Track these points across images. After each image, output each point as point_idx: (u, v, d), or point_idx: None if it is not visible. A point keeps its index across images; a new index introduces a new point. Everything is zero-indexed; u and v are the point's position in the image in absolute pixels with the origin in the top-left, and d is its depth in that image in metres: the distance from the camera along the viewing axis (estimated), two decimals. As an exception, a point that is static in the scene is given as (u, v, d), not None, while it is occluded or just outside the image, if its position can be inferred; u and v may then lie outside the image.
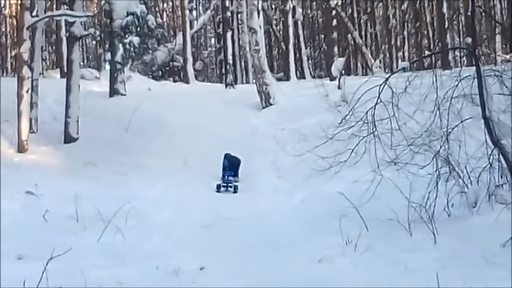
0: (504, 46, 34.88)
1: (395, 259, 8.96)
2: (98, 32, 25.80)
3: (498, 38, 33.87)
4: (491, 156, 11.11)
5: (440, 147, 11.31)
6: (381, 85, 11.73)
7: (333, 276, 8.38)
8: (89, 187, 14.35)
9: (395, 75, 12.16)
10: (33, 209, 12.23)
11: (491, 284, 7.49)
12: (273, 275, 8.56)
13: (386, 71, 35.31)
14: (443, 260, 8.63)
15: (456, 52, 35.23)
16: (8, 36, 42.83)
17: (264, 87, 24.75)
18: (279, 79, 34.44)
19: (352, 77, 30.29)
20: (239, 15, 37.83)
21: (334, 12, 35.02)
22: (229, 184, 16.57)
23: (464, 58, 29.91)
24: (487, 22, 38.01)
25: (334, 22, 35.28)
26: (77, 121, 19.74)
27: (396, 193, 11.00)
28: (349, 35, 41.62)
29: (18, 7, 27.27)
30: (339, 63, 28.64)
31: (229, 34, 37.00)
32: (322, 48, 47.07)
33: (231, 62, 35.92)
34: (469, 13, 28.20)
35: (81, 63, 36.41)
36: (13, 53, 39.32)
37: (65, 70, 23.18)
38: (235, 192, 16.33)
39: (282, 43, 41.15)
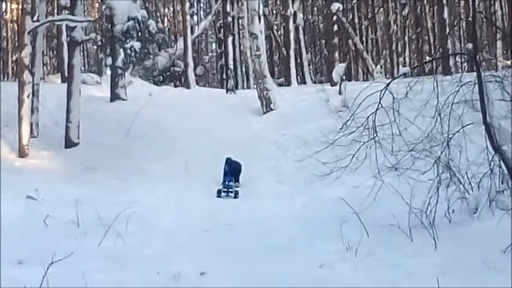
0: (505, 52, 34.82)
1: (396, 265, 8.95)
2: (99, 37, 25.77)
3: (499, 43, 33.81)
4: (492, 162, 11.11)
5: (441, 152, 11.31)
6: (381, 90, 11.73)
7: (334, 282, 8.36)
8: (90, 192, 14.36)
9: (396, 81, 12.16)
10: (33, 213, 12.24)
11: (491, 290, 7.50)
12: (274, 280, 8.54)
13: (387, 76, 35.31)
14: (444, 265, 8.62)
15: (457, 58, 35.06)
16: (9, 41, 42.80)
17: (265, 93, 24.76)
18: (280, 84, 34.42)
19: (353, 83, 30.35)
20: (240, 21, 37.89)
21: (335, 17, 35.01)
22: (230, 189, 16.58)
23: (465, 64, 29.84)
24: (488, 28, 38.04)
25: (335, 27, 35.27)
26: (78, 126, 19.75)
27: (397, 199, 11.01)
28: (350, 41, 41.62)
29: (19, 12, 27.35)
30: (339, 68, 28.63)
31: (230, 39, 37.03)
32: (323, 54, 47.15)
33: (232, 67, 35.91)
34: (470, 19, 28.17)
35: (82, 68, 36.40)
36: (14, 58, 39.31)
37: (66, 75, 23.17)
38: (235, 197, 16.34)
39: (283, 48, 41.12)
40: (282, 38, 42.88)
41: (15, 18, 40.14)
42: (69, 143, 19.59)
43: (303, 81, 37.84)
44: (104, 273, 8.71)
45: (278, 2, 45.33)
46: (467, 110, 11.52)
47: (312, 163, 14.31)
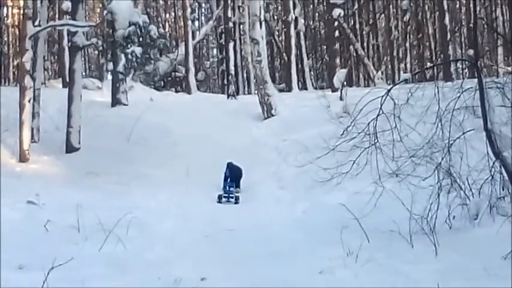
0: (506, 58, 34.90)
1: (396, 271, 8.95)
2: (100, 42, 25.87)
3: (500, 50, 33.84)
4: (492, 169, 11.11)
5: (442, 159, 11.31)
6: (382, 96, 11.73)
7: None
8: (91, 197, 14.35)
9: (397, 87, 12.16)
10: (34, 218, 12.23)
11: (492, 296, 7.50)
12: (274, 285, 8.54)
13: (388, 82, 35.35)
14: (445, 272, 8.62)
15: (458, 64, 35.14)
16: (11, 46, 42.85)
17: (266, 98, 24.78)
18: (280, 90, 34.46)
19: (354, 88, 30.31)
20: (241, 26, 37.87)
21: (336, 23, 34.98)
22: (231, 195, 16.58)
23: (466, 70, 29.90)
24: (489, 34, 38.11)
25: (337, 33, 35.23)
26: (79, 131, 19.76)
27: (398, 205, 11.00)
28: (351, 46, 41.62)
29: (21, 17, 27.40)
30: (341, 74, 28.70)
31: (231, 45, 37.06)
32: (324, 59, 47.17)
33: (233, 72, 35.90)
34: (471, 25, 28.24)
35: (83, 73, 36.42)
36: (15, 63, 39.38)
37: (67, 80, 23.19)
38: (236, 203, 16.33)
39: (284, 54, 41.12)
40: (283, 43, 42.92)
41: (16, 23, 40.23)
42: (70, 148, 19.60)
43: (304, 87, 37.85)
44: (105, 278, 8.71)
45: (279, 8, 45.36)
46: (468, 116, 11.53)
47: (313, 169, 14.29)
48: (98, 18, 40.37)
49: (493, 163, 11.08)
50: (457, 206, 11.18)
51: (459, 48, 42.18)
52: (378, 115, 11.73)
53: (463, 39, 42.18)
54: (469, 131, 11.48)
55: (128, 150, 19.45)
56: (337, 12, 34.28)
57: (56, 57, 40.63)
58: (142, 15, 24.39)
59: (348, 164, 12.55)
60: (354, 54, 42.35)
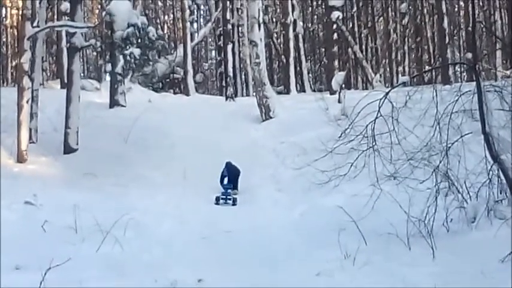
0: (504, 62, 34.94)
1: (393, 273, 8.95)
2: (98, 43, 25.79)
3: (498, 53, 33.88)
4: (490, 172, 11.12)
5: (440, 162, 11.31)
6: (381, 99, 11.72)
7: (331, 290, 8.38)
8: (88, 198, 14.34)
9: (395, 90, 12.15)
10: (31, 219, 12.23)
11: (489, 299, 7.50)
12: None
13: (387, 85, 35.28)
14: (442, 275, 8.62)
15: (456, 67, 35.24)
16: (9, 47, 42.83)
17: (264, 100, 24.76)
18: (279, 92, 34.48)
19: (353, 91, 30.30)
20: (240, 28, 37.93)
21: (335, 26, 35.01)
22: (228, 196, 16.57)
23: (464, 73, 29.97)
24: (488, 38, 38.13)
25: (335, 36, 35.25)
26: (77, 132, 19.76)
27: (395, 207, 10.99)
28: (349, 49, 41.61)
29: (19, 17, 27.41)
30: (339, 77, 28.63)
31: (229, 47, 37.01)
32: (322, 62, 47.16)
33: (231, 74, 35.85)
34: (470, 28, 28.32)
35: (82, 74, 36.43)
36: (14, 63, 39.37)
37: (65, 81, 23.20)
38: (234, 204, 16.34)
39: (283, 56, 41.17)
40: (281, 46, 42.94)
41: (15, 24, 40.23)
42: (68, 149, 19.60)
43: (302, 90, 37.85)
44: (102, 279, 8.70)
45: (278, 10, 45.44)
46: (466, 119, 11.53)
47: (311, 171, 14.28)
48: (96, 20, 40.34)
49: (491, 166, 11.09)
50: (455, 209, 11.18)
51: (457, 51, 42.20)
52: (376, 118, 11.72)
53: (461, 43, 42.25)
54: (467, 134, 11.48)
55: (125, 152, 19.44)
56: (335, 15, 34.28)
57: (54, 58, 40.62)
58: (141, 17, 24.32)
59: (345, 167, 12.53)
60: (352, 57, 42.31)
